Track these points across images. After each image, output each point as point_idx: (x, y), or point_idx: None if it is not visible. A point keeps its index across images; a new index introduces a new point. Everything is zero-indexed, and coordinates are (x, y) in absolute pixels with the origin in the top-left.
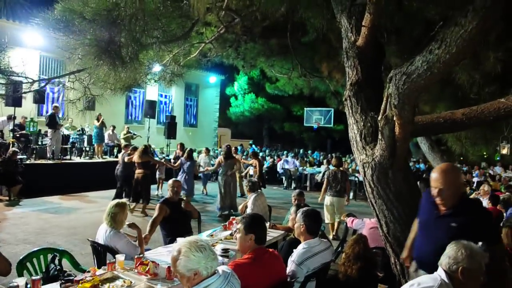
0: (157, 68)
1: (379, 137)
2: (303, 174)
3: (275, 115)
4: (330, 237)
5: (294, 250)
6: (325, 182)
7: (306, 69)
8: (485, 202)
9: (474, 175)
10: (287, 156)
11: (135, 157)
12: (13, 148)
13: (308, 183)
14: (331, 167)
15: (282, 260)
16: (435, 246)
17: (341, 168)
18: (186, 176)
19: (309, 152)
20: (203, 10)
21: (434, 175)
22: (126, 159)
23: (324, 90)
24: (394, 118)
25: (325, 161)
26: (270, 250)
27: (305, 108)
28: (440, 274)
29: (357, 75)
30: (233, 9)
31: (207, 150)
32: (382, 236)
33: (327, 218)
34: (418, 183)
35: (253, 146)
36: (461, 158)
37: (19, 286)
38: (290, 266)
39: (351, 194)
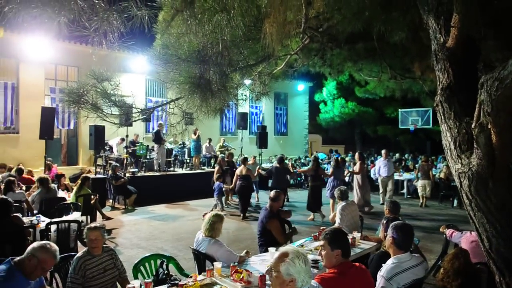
0: (247, 81)
1: (475, 145)
2: (399, 181)
3: (367, 118)
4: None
5: (383, 264)
6: (416, 172)
7: (396, 70)
8: None
9: None
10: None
11: (308, 169)
12: (114, 163)
13: (405, 190)
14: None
15: (369, 274)
16: None
17: (428, 162)
18: (338, 181)
19: (406, 155)
20: (278, 47)
21: None
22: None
23: (418, 91)
24: (489, 126)
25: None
26: (357, 264)
27: (399, 110)
28: None
29: (449, 78)
30: (313, 27)
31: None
32: (484, 251)
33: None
34: None
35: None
36: None
37: (135, 287)
38: (379, 281)
39: (455, 202)
